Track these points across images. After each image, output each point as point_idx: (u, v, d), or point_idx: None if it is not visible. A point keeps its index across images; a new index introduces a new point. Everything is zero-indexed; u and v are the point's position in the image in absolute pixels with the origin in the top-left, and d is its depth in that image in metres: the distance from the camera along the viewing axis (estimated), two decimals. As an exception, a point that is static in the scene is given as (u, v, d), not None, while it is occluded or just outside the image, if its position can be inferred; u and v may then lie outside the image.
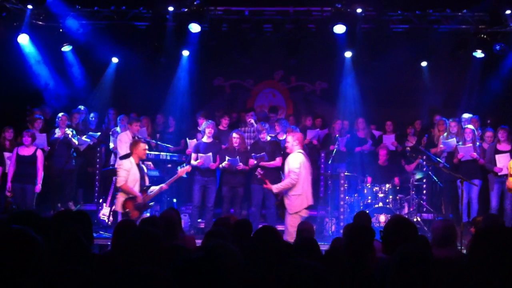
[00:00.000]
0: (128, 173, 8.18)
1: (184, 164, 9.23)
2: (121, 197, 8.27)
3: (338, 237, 5.57)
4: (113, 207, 10.20)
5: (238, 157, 9.58)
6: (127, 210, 8.15)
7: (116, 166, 8.36)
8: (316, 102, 13.87)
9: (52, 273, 2.44)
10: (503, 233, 2.29)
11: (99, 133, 11.36)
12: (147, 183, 8.52)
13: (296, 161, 7.98)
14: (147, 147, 8.61)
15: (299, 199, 8.00)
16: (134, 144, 8.45)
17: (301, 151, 8.19)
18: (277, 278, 2.12)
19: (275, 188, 8.15)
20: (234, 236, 4.92)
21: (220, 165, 9.61)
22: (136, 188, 8.26)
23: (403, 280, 2.51)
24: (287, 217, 8.09)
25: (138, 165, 8.35)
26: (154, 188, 8.44)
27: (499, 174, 9.75)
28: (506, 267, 2.14)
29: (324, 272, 2.12)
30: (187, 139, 10.89)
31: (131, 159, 8.31)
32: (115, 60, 12.51)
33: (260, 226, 4.93)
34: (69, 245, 3.42)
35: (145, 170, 8.76)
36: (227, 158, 9.53)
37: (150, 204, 8.41)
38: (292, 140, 8.14)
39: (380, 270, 3.08)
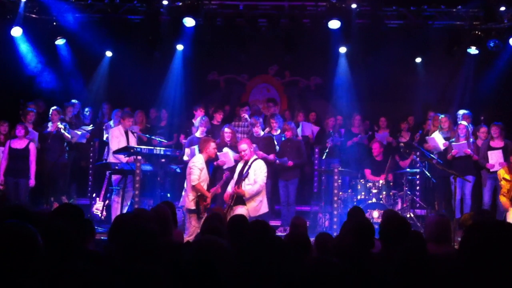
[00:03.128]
0: (201, 172, 8.10)
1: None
2: (191, 195, 8.13)
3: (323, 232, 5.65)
4: (106, 202, 10.18)
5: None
6: (201, 207, 8.10)
7: (190, 164, 8.24)
8: (311, 97, 13.85)
9: (50, 272, 2.40)
10: (495, 227, 2.28)
11: (91, 126, 11.31)
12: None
13: (263, 170, 8.39)
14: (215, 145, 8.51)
15: (260, 204, 8.40)
16: (204, 142, 8.31)
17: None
18: (299, 276, 2.12)
19: (248, 193, 8.25)
20: (229, 232, 4.89)
21: (214, 163, 9.57)
22: (205, 188, 8.22)
23: (404, 278, 2.51)
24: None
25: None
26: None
27: (491, 170, 9.79)
28: (498, 261, 2.14)
29: (346, 270, 2.13)
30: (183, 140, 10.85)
31: (202, 157, 8.20)
32: (109, 53, 12.43)
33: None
34: (55, 240, 3.35)
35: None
36: (218, 153, 9.50)
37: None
38: (248, 147, 8.39)
39: (377, 267, 3.08)
